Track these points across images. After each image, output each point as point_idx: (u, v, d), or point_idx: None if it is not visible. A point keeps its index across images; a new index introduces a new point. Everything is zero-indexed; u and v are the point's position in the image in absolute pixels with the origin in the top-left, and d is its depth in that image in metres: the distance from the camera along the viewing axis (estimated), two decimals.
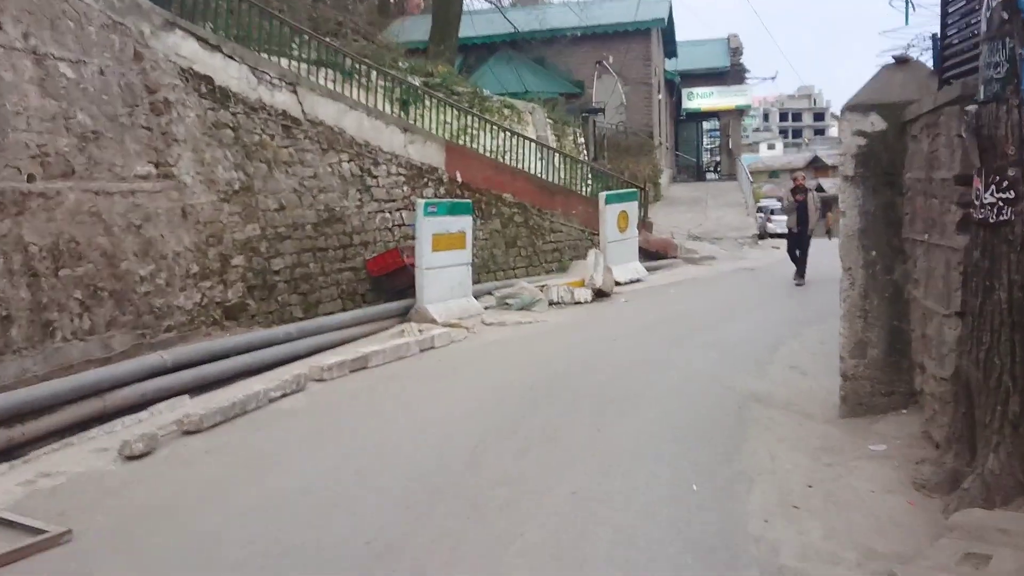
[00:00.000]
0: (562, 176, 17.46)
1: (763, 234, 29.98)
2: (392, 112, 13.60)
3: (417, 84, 15.91)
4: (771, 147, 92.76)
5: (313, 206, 10.96)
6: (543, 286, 12.32)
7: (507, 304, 11.77)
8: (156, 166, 8.70)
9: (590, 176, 19.05)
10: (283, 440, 5.76)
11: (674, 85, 35.12)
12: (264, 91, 10.76)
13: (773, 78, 40.35)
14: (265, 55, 11.31)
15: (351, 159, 11.90)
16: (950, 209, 4.12)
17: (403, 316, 10.81)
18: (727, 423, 5.67)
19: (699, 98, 36.64)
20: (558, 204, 15.89)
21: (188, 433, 5.89)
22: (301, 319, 10.16)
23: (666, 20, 29.07)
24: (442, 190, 13.36)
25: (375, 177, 12.26)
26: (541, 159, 16.91)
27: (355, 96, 12.66)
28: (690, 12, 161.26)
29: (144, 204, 8.36)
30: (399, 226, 12.45)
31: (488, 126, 15.94)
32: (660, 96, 30.61)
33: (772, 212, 40.51)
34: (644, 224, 17.53)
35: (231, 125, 10.04)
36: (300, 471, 5.09)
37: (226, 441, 5.73)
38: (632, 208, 15.08)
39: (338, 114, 11.90)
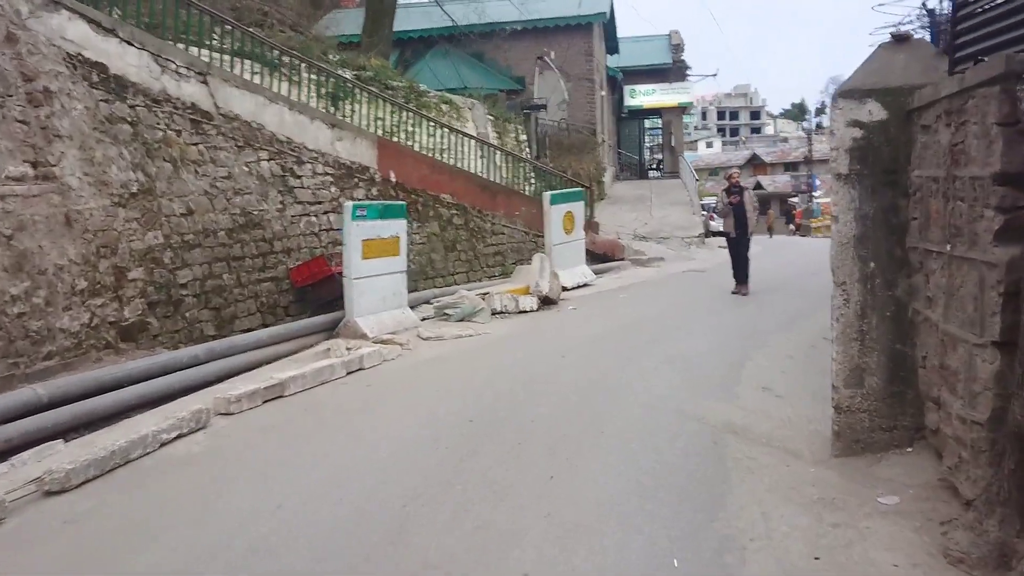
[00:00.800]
0: (504, 175, 16.57)
1: (708, 232, 29.69)
2: (320, 107, 12.51)
3: (348, 77, 14.82)
4: (709, 145, 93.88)
5: (227, 210, 9.82)
6: (485, 294, 11.38)
7: (446, 315, 10.81)
8: (34, 166, 7.48)
9: (533, 175, 18.22)
10: (167, 502, 4.70)
11: (616, 82, 34.54)
12: (169, 81, 9.58)
13: (715, 75, 40.21)
14: (173, 43, 10.12)
15: (271, 157, 10.78)
16: (984, 214, 3.32)
17: (331, 331, 9.76)
18: (703, 467, 4.83)
19: (641, 95, 36.14)
20: (500, 205, 14.99)
21: (50, 494, 4.79)
22: (214, 337, 9.04)
23: (608, 14, 28.41)
24: (374, 191, 12.32)
25: (299, 177, 11.16)
26: (482, 157, 16.01)
27: (281, 90, 11.54)
28: (631, 9, 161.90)
29: (17, 210, 7.14)
30: (327, 230, 11.38)
31: (425, 122, 14.94)
32: (602, 93, 29.97)
33: (715, 210, 40.53)
34: (590, 225, 16.76)
35: (129, 119, 8.85)
36: (180, 547, 4.06)
37: (95, 505, 4.64)
38: (578, 208, 14.26)
39: (256, 108, 10.77)
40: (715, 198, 47.26)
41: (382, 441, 5.68)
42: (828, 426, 5.37)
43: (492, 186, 15.13)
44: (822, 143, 69.44)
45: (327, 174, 11.64)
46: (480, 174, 15.22)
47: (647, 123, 44.90)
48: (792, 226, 53.78)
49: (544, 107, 24.33)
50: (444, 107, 17.84)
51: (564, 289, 13.02)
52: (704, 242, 21.23)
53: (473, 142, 15.91)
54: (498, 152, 16.92)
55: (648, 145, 47.00)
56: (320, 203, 11.38)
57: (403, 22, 26.86)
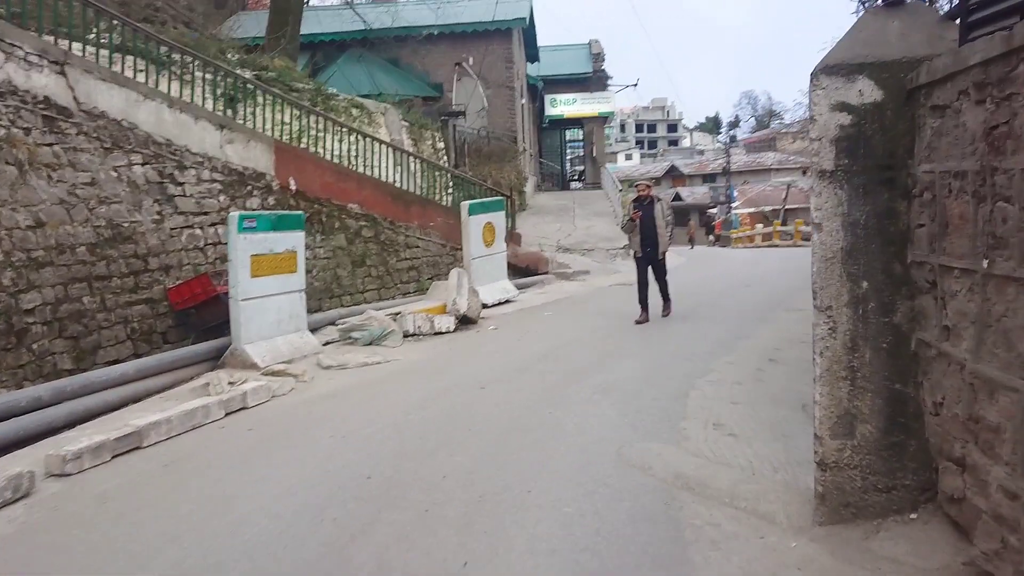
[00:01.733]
0: (420, 184, 15.44)
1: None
2: (216, 109, 11.15)
3: (247, 78, 13.48)
4: (629, 157, 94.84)
5: (90, 221, 8.41)
6: (397, 314, 10.23)
7: (352, 338, 9.62)
8: None
9: (451, 184, 17.15)
10: None
11: (537, 91, 33.85)
12: (16, 71, 8.13)
13: (635, 85, 40.03)
14: (25, 31, 8.67)
15: (146, 161, 9.39)
16: None
17: (217, 361, 8.45)
18: (656, 540, 3.82)
19: (562, 104, 35.54)
20: (414, 216, 13.85)
21: None
22: (70, 372, 7.62)
23: (527, 20, 27.63)
24: (271, 200, 11.02)
25: (180, 184, 9.79)
26: (396, 165, 14.84)
27: (171, 90, 10.16)
28: (550, 15, 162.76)
29: None
30: (214, 244, 10.03)
31: (333, 127, 13.70)
32: (523, 100, 29.18)
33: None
34: (512, 236, 15.80)
35: None
36: None
37: None
38: (499, 219, 13.25)
39: (127, 105, 9.37)
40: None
41: (255, 514, 4.48)
42: (797, 476, 4.48)
43: (406, 195, 13.98)
44: (737, 155, 70.71)
45: (215, 181, 10.29)
46: (393, 183, 14.06)
47: (568, 134, 44.49)
48: (711, 237, 54.26)
49: (463, 114, 23.33)
50: (355, 111, 16.60)
51: (484, 306, 11.99)
52: (629, 253, 20.56)
53: (387, 149, 14.74)
54: (413, 160, 15.79)
55: (570, 157, 46.61)
56: (206, 214, 10.02)
57: (313, 25, 25.48)
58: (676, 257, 23.18)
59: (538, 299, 13.25)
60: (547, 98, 35.57)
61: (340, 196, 12.20)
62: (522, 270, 15.40)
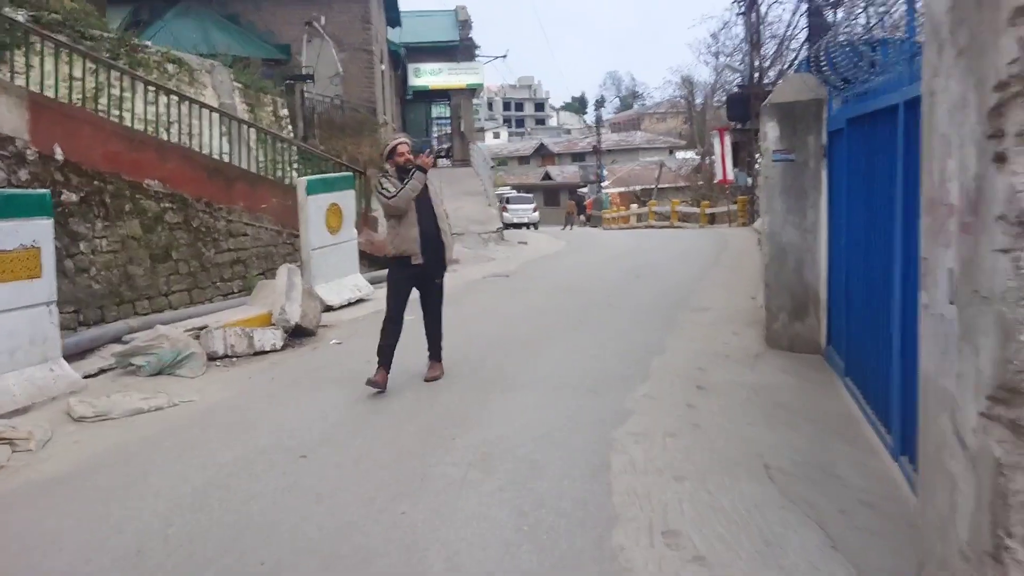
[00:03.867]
0: (259, 158, 12.66)
1: (505, 225, 27.21)
2: None
3: (21, 19, 10.29)
4: (497, 136, 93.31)
5: None
6: (200, 330, 7.60)
7: (134, 366, 6.95)
8: None
9: (296, 158, 14.39)
10: None
11: (399, 59, 31.11)
12: None
13: (504, 56, 37.59)
14: None
15: None
16: None
17: None
18: None
19: (427, 75, 32.97)
20: (240, 196, 11.10)
21: None
22: None
23: None
24: (23, 174, 8.05)
25: None
26: (225, 135, 12.01)
27: None
28: None
29: None
30: None
31: (144, 87, 10.67)
32: (383, 67, 26.44)
33: (508, 200, 38.29)
34: (367, 220, 13.29)
35: None
36: None
37: None
38: (348, 200, 10.76)
39: None
40: (505, 188, 45.37)
41: None
42: None
43: (227, 170, 11.17)
44: (605, 134, 70.21)
45: None
46: (222, 157, 11.23)
47: (437, 110, 41.94)
48: (583, 217, 53.27)
49: (311, 78, 20.42)
50: (170, 68, 13.52)
51: (329, 309, 9.54)
52: (503, 237, 18.46)
53: (210, 114, 11.85)
54: (243, 126, 12.94)
55: (437, 135, 43.91)
56: None
57: None
58: (554, 240, 21.27)
59: None
60: (411, 68, 32.91)
61: (133, 170, 9.32)
62: (380, 260, 12.93)
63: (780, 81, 7.46)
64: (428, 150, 6.69)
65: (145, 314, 8.87)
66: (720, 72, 38.35)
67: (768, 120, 7.40)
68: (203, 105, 11.89)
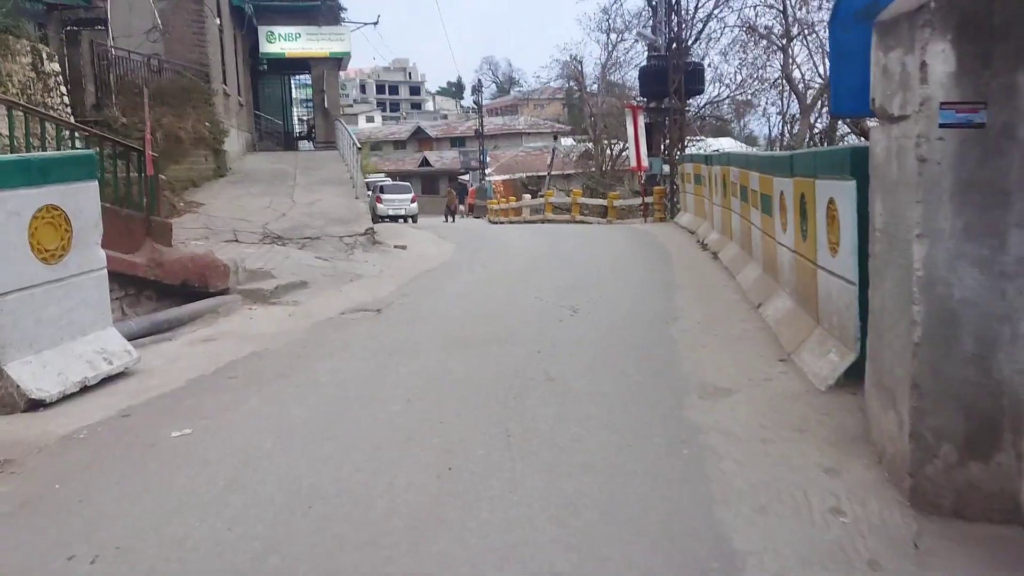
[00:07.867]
0: None
1: (376, 218, 22.68)
2: None
3: None
4: (370, 119, 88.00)
5: None
6: None
7: None
8: None
9: (68, 136, 9.34)
10: None
11: (245, 18, 25.75)
12: None
13: (375, 22, 32.81)
14: None
15: None
16: None
17: None
18: None
19: (282, 40, 27.77)
20: None
21: None
22: None
23: None
24: None
25: None
26: None
27: None
28: None
29: None
30: None
31: None
32: (220, 23, 21.19)
33: (383, 189, 33.51)
34: (151, 229, 8.51)
35: None
36: None
37: None
38: (84, 200, 6.06)
39: None
40: (381, 175, 40.30)
41: None
42: None
43: None
44: (487, 117, 66.13)
45: None
46: None
47: (302, 92, 36.43)
48: (464, 207, 49.09)
49: (103, 23, 15.10)
50: None
51: (39, 405, 4.94)
52: (374, 241, 13.91)
53: None
54: None
55: (306, 117, 38.01)
56: None
57: None
58: (440, 242, 16.90)
59: (190, 363, 6.33)
60: (262, 31, 27.60)
61: None
62: (174, 290, 8.27)
63: None
64: None
65: None
66: (614, 47, 35.03)
67: (935, 38, 3.40)
68: None
